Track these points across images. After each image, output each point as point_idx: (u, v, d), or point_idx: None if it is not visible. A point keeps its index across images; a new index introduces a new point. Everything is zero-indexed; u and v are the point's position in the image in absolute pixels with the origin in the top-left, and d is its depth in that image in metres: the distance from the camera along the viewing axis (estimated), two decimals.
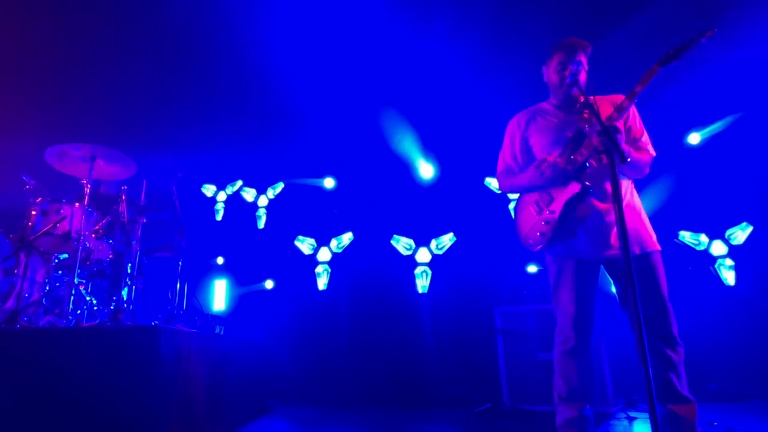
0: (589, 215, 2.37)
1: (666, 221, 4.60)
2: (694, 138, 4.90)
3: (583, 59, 2.46)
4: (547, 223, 2.43)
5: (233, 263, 6.06)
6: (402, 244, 5.49)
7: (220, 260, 6.09)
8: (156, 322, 4.09)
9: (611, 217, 2.35)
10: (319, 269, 5.72)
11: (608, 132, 1.90)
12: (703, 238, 4.69)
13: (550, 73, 2.54)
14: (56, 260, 3.81)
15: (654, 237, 2.38)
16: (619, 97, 2.47)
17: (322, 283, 5.66)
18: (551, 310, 2.60)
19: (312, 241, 5.86)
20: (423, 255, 5.38)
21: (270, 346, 5.05)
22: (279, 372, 4.92)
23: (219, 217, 6.34)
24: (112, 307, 3.84)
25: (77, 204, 3.70)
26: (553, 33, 4.60)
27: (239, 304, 5.84)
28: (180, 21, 5.03)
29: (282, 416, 4.05)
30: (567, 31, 4.63)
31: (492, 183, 5.29)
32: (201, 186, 6.49)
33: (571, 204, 2.37)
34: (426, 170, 5.54)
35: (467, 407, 4.07)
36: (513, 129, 2.71)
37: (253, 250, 6.02)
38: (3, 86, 5.45)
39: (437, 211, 5.44)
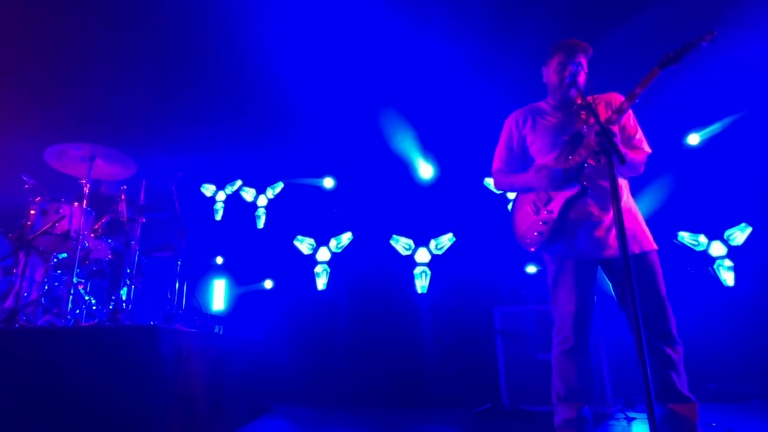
0: (587, 215, 2.37)
1: (665, 222, 4.60)
2: (693, 139, 4.90)
3: (583, 61, 2.46)
4: (545, 223, 2.43)
5: (232, 263, 6.06)
6: (401, 244, 5.49)
7: (219, 260, 6.09)
8: (154, 321, 4.08)
9: (609, 217, 2.35)
10: (318, 269, 5.71)
11: (607, 133, 1.90)
12: (702, 238, 4.69)
13: (550, 73, 2.54)
14: (55, 260, 3.81)
15: (650, 237, 2.38)
16: (616, 96, 2.48)
17: (321, 283, 5.66)
18: (551, 310, 2.60)
19: (311, 240, 5.86)
20: (422, 255, 5.38)
21: (269, 345, 5.05)
22: (278, 372, 4.92)
23: (218, 216, 6.34)
24: (111, 307, 3.83)
25: (76, 203, 3.70)
26: (552, 33, 4.60)
27: (238, 303, 5.84)
28: (180, 21, 5.03)
29: (281, 416, 4.05)
30: (566, 31, 4.63)
31: (491, 183, 5.29)
32: (200, 186, 6.48)
33: (569, 204, 2.37)
34: (425, 170, 5.54)
35: (467, 407, 4.07)
36: (510, 127, 2.71)
37: (252, 249, 6.02)
38: (3, 86, 5.44)
39: (436, 211, 5.44)
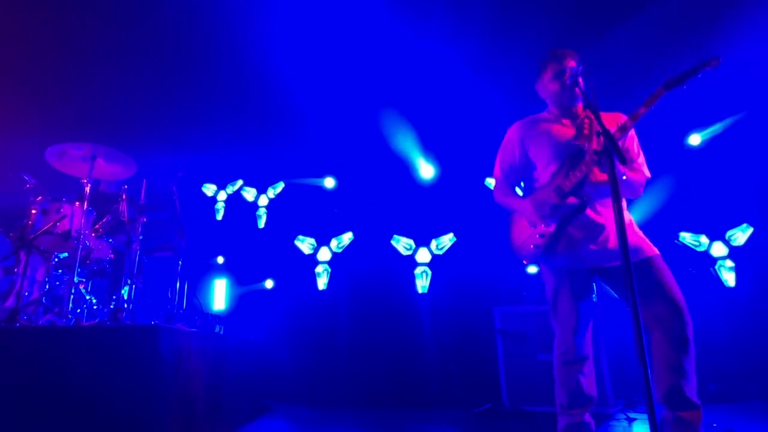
0: (585, 227, 2.37)
1: (666, 222, 4.60)
2: (694, 139, 4.90)
3: (576, 64, 2.45)
4: (542, 236, 2.43)
5: (233, 263, 6.06)
6: (402, 244, 5.49)
7: (220, 260, 6.10)
8: (155, 321, 4.09)
9: (608, 228, 2.35)
10: (319, 269, 5.72)
11: (608, 134, 1.90)
12: (704, 239, 4.69)
13: (547, 84, 2.54)
14: (56, 259, 3.81)
15: (651, 244, 2.37)
16: (620, 116, 2.47)
17: (322, 282, 5.66)
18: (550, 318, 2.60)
19: (312, 240, 5.86)
20: (423, 255, 5.38)
21: (270, 345, 5.05)
22: (279, 372, 4.92)
23: (219, 216, 6.34)
24: (111, 306, 3.84)
25: (77, 203, 3.71)
26: (552, 33, 4.62)
27: (239, 303, 5.84)
28: (180, 21, 5.03)
29: (281, 416, 4.05)
30: (566, 31, 4.65)
31: (492, 183, 5.28)
32: (201, 185, 6.49)
33: (567, 219, 2.37)
34: (426, 170, 5.54)
35: (467, 407, 4.07)
36: (511, 142, 2.69)
37: (253, 249, 6.02)
38: (3, 85, 5.45)
39: (437, 211, 5.44)
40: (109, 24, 5.13)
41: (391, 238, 5.51)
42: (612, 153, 1.86)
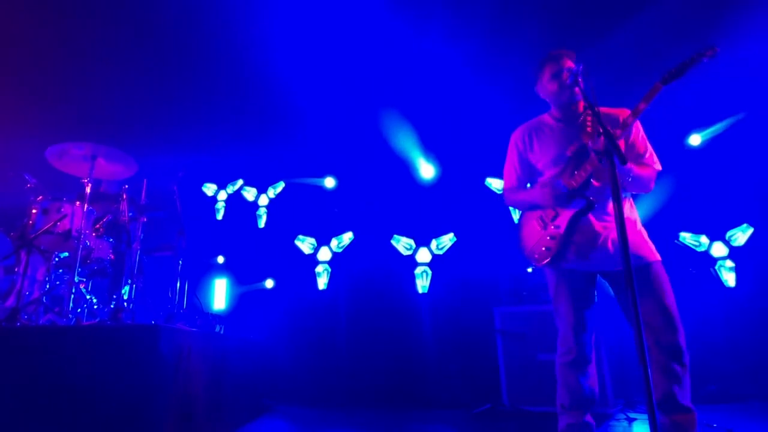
0: (589, 229, 2.37)
1: (667, 222, 4.60)
2: (694, 139, 4.90)
3: (573, 64, 2.44)
4: (552, 238, 2.43)
5: (233, 262, 6.06)
6: (402, 244, 5.49)
7: (220, 259, 6.10)
8: (155, 320, 4.09)
9: (611, 231, 2.35)
10: (319, 269, 5.72)
11: (608, 134, 1.90)
12: (704, 239, 4.69)
13: (545, 85, 2.53)
14: (57, 259, 3.82)
15: (653, 248, 2.37)
16: (623, 112, 2.46)
17: (322, 282, 5.66)
18: (551, 311, 2.61)
19: (312, 240, 5.86)
20: (423, 255, 5.38)
21: (270, 345, 5.05)
22: (279, 371, 4.93)
23: (219, 216, 6.34)
24: (112, 306, 3.84)
25: (78, 203, 3.71)
26: (552, 33, 4.62)
27: (239, 303, 5.84)
28: (180, 21, 5.04)
29: (281, 416, 4.05)
30: (566, 31, 4.65)
31: (492, 183, 5.29)
32: (202, 185, 6.49)
33: (575, 219, 2.37)
34: (426, 170, 5.54)
35: (466, 408, 4.07)
36: (516, 144, 2.70)
37: (253, 249, 6.02)
38: (4, 85, 5.45)
39: (437, 211, 5.44)
40: (110, 24, 5.14)
41: (391, 237, 5.52)
42: (612, 153, 1.86)
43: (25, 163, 4.08)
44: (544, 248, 2.45)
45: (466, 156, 5.38)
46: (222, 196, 6.44)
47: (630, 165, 2.30)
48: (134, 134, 5.56)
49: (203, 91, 5.76)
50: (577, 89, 2.38)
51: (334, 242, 5.77)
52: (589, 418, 2.40)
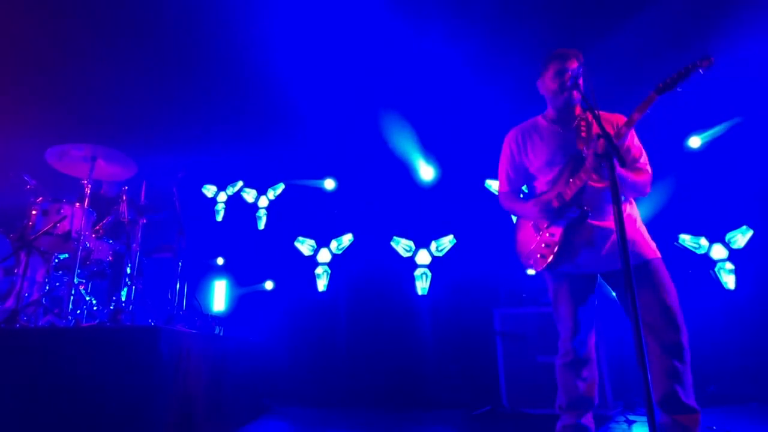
0: (587, 232, 2.37)
1: (666, 224, 4.60)
2: (694, 141, 4.90)
3: (578, 66, 2.44)
4: (547, 246, 2.43)
5: (233, 264, 6.06)
6: (402, 245, 5.49)
7: (220, 261, 6.10)
8: (152, 322, 4.09)
9: (609, 232, 2.35)
10: (318, 270, 5.72)
11: (608, 136, 1.90)
12: (704, 241, 4.69)
13: (547, 82, 2.52)
14: (56, 260, 3.81)
15: (653, 246, 2.37)
16: (619, 117, 2.46)
17: (321, 284, 5.66)
18: (550, 313, 2.62)
19: (312, 242, 5.86)
20: (423, 257, 5.38)
21: (269, 347, 5.04)
22: (279, 372, 4.92)
23: (219, 217, 6.34)
24: (111, 308, 3.84)
25: (77, 204, 3.71)
26: (552, 33, 4.62)
27: (239, 304, 5.84)
28: (180, 21, 5.04)
29: (281, 417, 4.05)
30: (566, 32, 4.65)
31: (492, 185, 5.29)
32: (201, 186, 6.49)
33: (570, 227, 2.37)
34: (426, 172, 5.54)
35: (466, 409, 4.06)
36: (510, 147, 2.69)
37: (253, 250, 6.02)
38: (3, 86, 5.45)
39: (437, 212, 5.44)
40: (109, 24, 5.14)
41: (391, 239, 5.52)
42: (612, 156, 1.87)
43: (24, 164, 4.07)
44: (539, 255, 2.46)
45: (466, 158, 5.39)
46: (222, 197, 6.43)
47: (625, 173, 2.29)
48: (134, 135, 5.56)
49: (203, 92, 5.76)
50: (576, 93, 2.38)
51: (333, 244, 5.77)
52: (587, 420, 2.40)
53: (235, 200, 6.39)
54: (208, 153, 6.11)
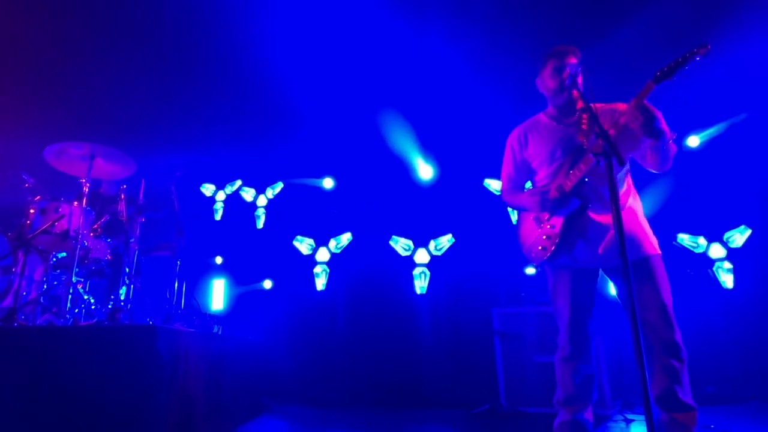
0: (587, 225, 2.37)
1: (664, 224, 4.60)
2: (692, 141, 4.90)
3: (576, 62, 2.44)
4: (548, 237, 2.44)
5: (232, 263, 6.05)
6: (401, 244, 5.49)
7: (218, 260, 6.09)
8: (151, 320, 4.08)
9: (609, 226, 2.35)
10: (317, 269, 5.71)
11: (606, 135, 1.90)
12: (702, 240, 4.70)
13: (546, 80, 2.52)
14: (54, 259, 3.81)
15: (654, 241, 2.37)
16: (619, 106, 2.46)
17: (320, 283, 5.66)
18: (549, 312, 2.63)
19: (311, 241, 5.86)
20: (422, 256, 5.38)
21: (268, 346, 5.05)
22: (277, 371, 4.92)
23: (218, 216, 6.34)
24: (110, 306, 3.84)
25: (76, 203, 3.70)
26: (552, 33, 4.62)
27: (237, 303, 5.84)
28: (180, 21, 5.03)
29: (280, 416, 4.05)
30: (566, 30, 4.65)
31: (491, 184, 5.29)
32: (200, 185, 6.49)
33: (570, 219, 2.38)
34: (425, 171, 5.54)
35: (465, 408, 4.07)
36: (512, 145, 2.71)
37: (251, 249, 6.02)
38: (3, 84, 5.44)
39: (436, 212, 5.44)
40: (109, 23, 5.12)
41: (389, 238, 5.51)
42: (610, 155, 1.86)
43: (23, 162, 4.06)
44: (540, 247, 2.47)
45: (465, 157, 5.38)
46: (220, 196, 6.43)
47: (650, 141, 2.30)
48: (133, 134, 5.56)
49: (202, 91, 5.75)
50: (575, 92, 2.37)
51: (332, 243, 5.76)
52: (584, 415, 2.40)
53: (234, 199, 6.38)
54: (206, 152, 6.10)
